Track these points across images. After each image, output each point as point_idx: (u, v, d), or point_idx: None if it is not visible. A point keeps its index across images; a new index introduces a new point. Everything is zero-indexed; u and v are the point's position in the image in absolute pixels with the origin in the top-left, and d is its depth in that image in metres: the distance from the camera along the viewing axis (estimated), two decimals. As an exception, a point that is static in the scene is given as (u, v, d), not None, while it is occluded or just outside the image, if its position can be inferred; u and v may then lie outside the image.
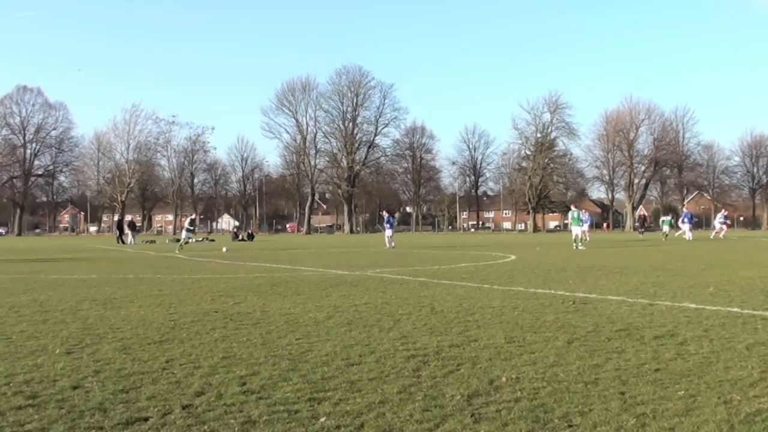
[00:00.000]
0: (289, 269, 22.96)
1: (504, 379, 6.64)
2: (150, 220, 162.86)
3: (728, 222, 67.68)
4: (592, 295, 13.77)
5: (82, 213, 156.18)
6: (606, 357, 7.58)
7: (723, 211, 68.44)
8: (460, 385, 6.43)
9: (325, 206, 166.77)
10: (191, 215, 50.59)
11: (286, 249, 43.50)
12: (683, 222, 57.32)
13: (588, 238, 41.19)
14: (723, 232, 59.11)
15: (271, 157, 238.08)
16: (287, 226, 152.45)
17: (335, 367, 7.22)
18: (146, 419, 5.55)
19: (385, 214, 47.38)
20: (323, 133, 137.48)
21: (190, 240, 44.11)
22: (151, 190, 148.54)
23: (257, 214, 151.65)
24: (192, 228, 44.65)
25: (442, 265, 24.52)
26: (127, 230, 61.41)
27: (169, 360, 7.74)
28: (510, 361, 7.48)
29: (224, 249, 40.92)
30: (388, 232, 44.70)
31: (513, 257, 29.34)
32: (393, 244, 43.32)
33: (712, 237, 57.75)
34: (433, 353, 7.89)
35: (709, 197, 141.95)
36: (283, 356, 7.84)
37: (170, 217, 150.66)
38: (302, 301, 13.29)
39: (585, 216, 42.01)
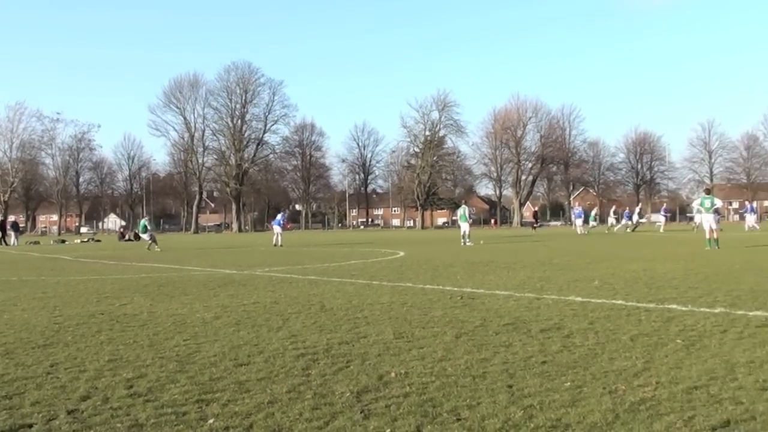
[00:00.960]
0: (177, 269, 22.65)
1: (393, 374, 6.67)
2: (34, 220, 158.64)
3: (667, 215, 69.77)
4: (480, 290, 13.95)
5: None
6: (494, 351, 7.69)
7: (664, 205, 71.09)
8: (350, 381, 6.44)
9: (213, 205, 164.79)
10: (145, 216, 48.07)
11: (173, 249, 42.84)
12: (576, 217, 58.77)
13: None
14: (663, 226, 61.12)
15: (159, 156, 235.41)
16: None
17: (223, 368, 7.15)
18: (30, 426, 5.40)
19: (279, 215, 47.14)
20: (211, 130, 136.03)
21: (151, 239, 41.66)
22: (35, 189, 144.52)
23: (144, 214, 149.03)
24: (147, 230, 42.40)
25: (331, 262, 24.51)
26: (9, 231, 59.45)
27: (54, 364, 7.55)
28: (399, 356, 7.53)
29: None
30: (277, 229, 44.53)
31: (402, 254, 29.54)
32: (281, 242, 43.17)
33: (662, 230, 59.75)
34: (323, 351, 7.88)
35: (594, 193, 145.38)
36: (171, 358, 7.73)
37: (55, 217, 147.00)
38: (190, 301, 13.12)
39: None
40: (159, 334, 9.32)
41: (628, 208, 67.98)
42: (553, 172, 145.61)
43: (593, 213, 62.73)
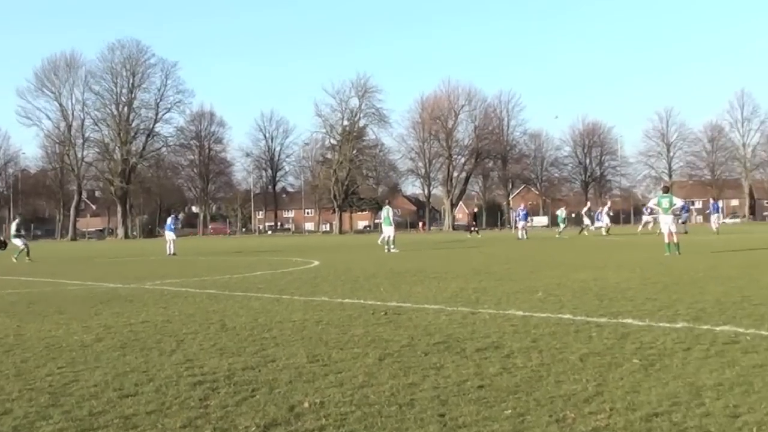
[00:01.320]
0: (51, 283, 22.28)
1: (306, 404, 6.59)
2: None
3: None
4: (407, 304, 13.95)
5: None
6: (423, 374, 7.65)
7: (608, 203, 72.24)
8: (256, 414, 6.34)
9: (94, 207, 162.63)
10: (16, 219, 45.38)
11: (46, 259, 42.11)
12: (520, 219, 59.34)
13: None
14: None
15: (30, 149, 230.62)
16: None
17: (106, 400, 6.98)
18: None
19: (170, 219, 46.82)
20: (93, 119, 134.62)
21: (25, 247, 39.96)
22: None
23: (11, 217, 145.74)
24: (20, 233, 40.92)
25: (234, 274, 24.34)
26: None
27: None
28: (313, 383, 7.45)
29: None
30: (170, 236, 44.18)
31: (316, 263, 29.48)
32: (174, 250, 42.78)
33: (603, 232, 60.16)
34: (224, 378, 7.77)
35: (537, 192, 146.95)
36: (43, 389, 7.54)
37: None
38: (66, 321, 12.85)
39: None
40: (28, 362, 9.10)
41: (600, 208, 68.57)
42: (490, 167, 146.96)
43: (562, 214, 63.32)
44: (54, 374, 8.25)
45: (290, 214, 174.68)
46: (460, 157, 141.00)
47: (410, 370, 7.87)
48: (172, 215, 49.48)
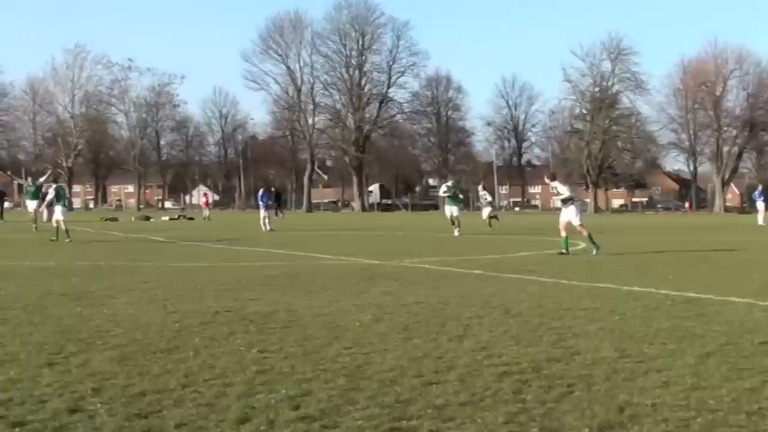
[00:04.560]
0: (303, 256, 22.95)
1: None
2: (104, 191, 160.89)
3: None
4: (707, 295, 13.49)
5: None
6: (762, 379, 7.30)
7: None
8: (582, 413, 6.20)
9: (326, 177, 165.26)
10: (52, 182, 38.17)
11: (288, 230, 43.20)
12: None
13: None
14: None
15: (258, 114, 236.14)
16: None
17: (409, 387, 7.01)
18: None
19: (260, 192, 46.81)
20: (322, 83, 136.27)
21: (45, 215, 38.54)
22: (105, 153, 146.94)
23: (242, 187, 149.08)
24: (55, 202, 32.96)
25: (496, 254, 24.30)
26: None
27: (189, 375, 7.54)
28: (634, 381, 7.26)
29: None
30: (262, 213, 43.87)
31: (582, 245, 28.98)
32: (270, 226, 43.25)
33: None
34: (530, 370, 7.67)
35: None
36: (336, 371, 7.64)
37: (131, 188, 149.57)
38: (335, 298, 13.13)
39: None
40: (310, 340, 9.28)
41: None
42: (766, 141, 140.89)
43: None
44: (342, 355, 8.39)
45: (536, 189, 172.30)
46: (730, 129, 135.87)
47: (743, 373, 7.56)
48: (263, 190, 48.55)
